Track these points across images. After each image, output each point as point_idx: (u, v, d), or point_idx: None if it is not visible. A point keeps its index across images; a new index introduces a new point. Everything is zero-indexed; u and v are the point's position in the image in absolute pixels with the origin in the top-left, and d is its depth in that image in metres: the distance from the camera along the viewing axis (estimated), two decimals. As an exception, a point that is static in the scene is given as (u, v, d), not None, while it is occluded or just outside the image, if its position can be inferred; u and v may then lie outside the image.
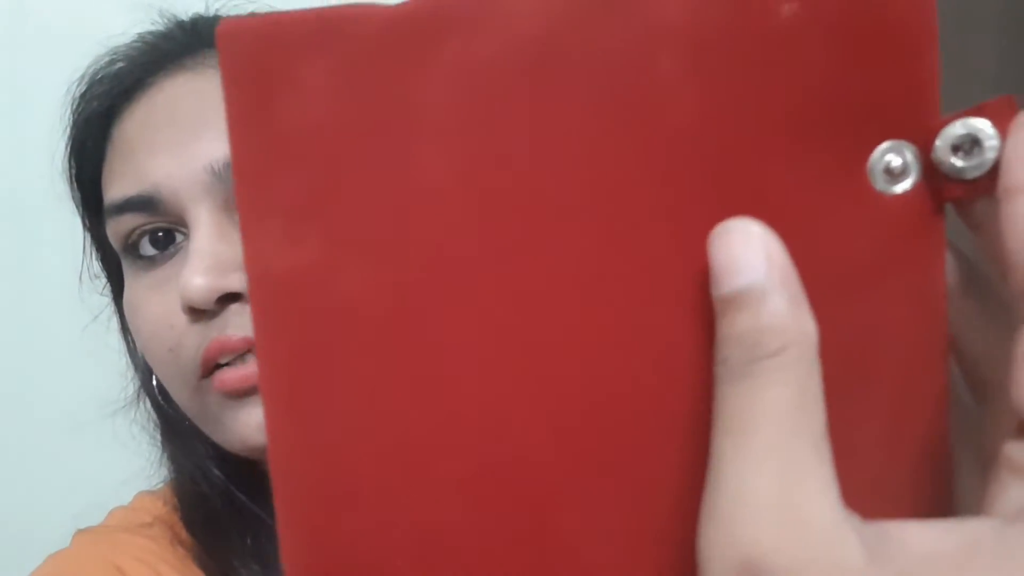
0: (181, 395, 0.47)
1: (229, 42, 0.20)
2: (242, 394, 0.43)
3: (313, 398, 0.21)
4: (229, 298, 0.43)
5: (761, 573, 0.16)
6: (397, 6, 0.20)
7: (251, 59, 0.20)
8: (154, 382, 0.53)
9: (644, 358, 0.21)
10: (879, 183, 0.20)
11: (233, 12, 0.54)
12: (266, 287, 0.20)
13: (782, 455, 0.17)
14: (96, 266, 0.55)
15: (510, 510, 0.21)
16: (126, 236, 0.47)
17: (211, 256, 0.42)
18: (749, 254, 0.19)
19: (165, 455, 0.54)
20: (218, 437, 0.46)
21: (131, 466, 0.55)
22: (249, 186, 0.20)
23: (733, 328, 0.18)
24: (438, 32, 0.20)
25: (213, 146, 0.44)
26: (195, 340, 0.44)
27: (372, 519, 0.21)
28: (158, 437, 0.55)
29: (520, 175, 0.20)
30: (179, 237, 0.46)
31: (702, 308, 0.20)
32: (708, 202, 0.20)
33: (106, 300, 0.56)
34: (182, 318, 0.44)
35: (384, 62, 0.20)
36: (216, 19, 0.52)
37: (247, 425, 0.44)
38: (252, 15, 0.54)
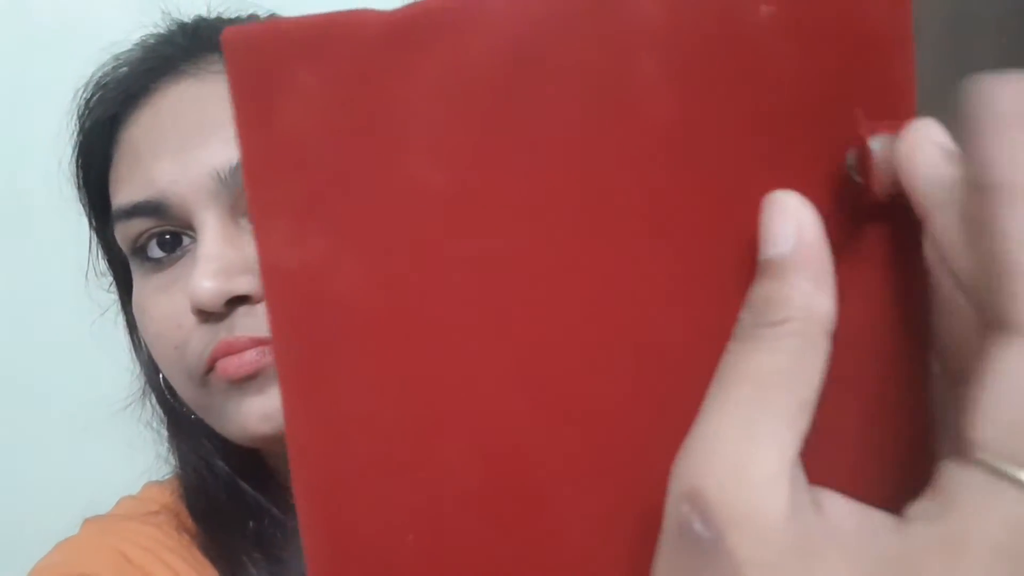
0: (186, 390, 0.48)
1: (234, 49, 0.21)
2: (242, 379, 0.44)
3: (321, 385, 0.22)
4: (237, 300, 0.44)
5: (698, 502, 0.18)
6: (389, 13, 0.21)
7: (254, 65, 0.21)
8: (160, 378, 0.54)
9: (633, 353, 0.21)
10: (858, 175, 0.20)
11: (234, 14, 0.54)
12: (276, 281, 0.22)
13: (751, 411, 0.18)
14: (102, 264, 0.56)
15: (502, 495, 0.22)
16: (134, 239, 0.47)
17: (219, 260, 0.43)
18: (781, 227, 0.20)
19: (171, 448, 0.55)
20: (222, 428, 0.47)
21: (140, 462, 0.56)
22: (257, 186, 0.21)
23: (754, 292, 0.20)
24: (426, 38, 0.21)
25: (218, 152, 0.44)
26: (203, 340, 0.45)
27: (379, 501, 0.22)
28: (164, 431, 0.55)
29: (508, 175, 0.21)
30: (186, 240, 0.47)
31: (689, 303, 0.21)
32: (691, 198, 0.21)
33: (113, 296, 0.56)
34: (190, 318, 0.45)
35: (376, 68, 0.21)
36: (217, 21, 0.53)
37: (248, 415, 0.45)
38: (253, 17, 0.55)
